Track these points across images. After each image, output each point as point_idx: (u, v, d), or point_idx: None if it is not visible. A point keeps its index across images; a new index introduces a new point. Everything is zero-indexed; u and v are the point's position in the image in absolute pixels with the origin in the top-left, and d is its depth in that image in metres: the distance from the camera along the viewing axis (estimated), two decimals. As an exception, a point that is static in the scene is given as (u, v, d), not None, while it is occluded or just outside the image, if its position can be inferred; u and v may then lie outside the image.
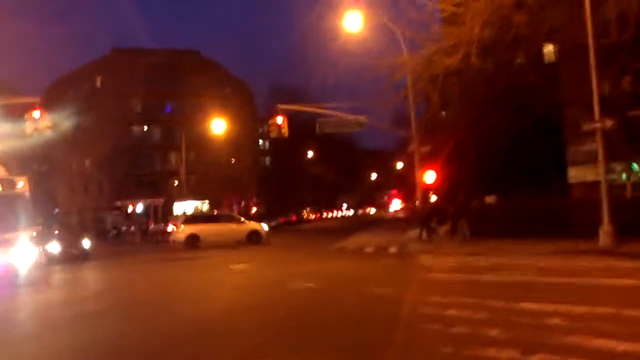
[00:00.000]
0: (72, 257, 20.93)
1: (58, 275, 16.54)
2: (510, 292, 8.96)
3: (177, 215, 49.56)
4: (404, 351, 5.85)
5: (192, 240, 24.94)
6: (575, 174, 20.82)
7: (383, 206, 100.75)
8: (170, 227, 44.50)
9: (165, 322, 8.14)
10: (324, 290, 10.63)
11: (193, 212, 42.42)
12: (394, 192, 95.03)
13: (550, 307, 7.45)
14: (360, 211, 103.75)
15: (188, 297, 10.87)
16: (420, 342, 6.11)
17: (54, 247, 20.79)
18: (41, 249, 20.68)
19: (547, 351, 5.37)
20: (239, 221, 26.84)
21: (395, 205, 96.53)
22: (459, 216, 18.97)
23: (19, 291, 13.08)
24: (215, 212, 39.50)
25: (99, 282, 15.59)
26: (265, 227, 27.07)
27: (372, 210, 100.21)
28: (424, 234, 20.20)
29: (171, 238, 27.61)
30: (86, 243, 22.65)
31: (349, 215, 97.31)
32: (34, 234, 16.21)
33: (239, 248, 23.67)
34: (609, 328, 6.19)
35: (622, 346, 5.42)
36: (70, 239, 22.40)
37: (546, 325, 6.48)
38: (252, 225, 26.73)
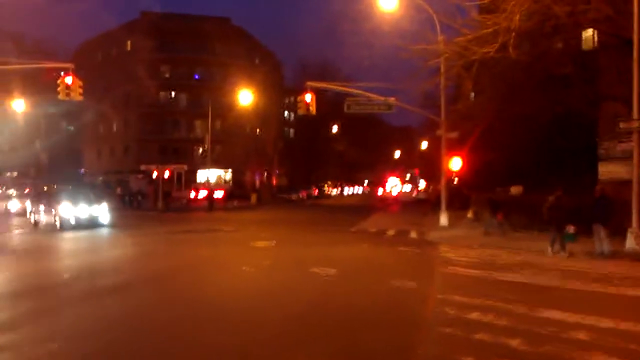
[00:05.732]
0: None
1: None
2: (533, 296, 8.86)
3: (199, 183, 50.24)
4: None
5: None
6: (606, 170, 20.25)
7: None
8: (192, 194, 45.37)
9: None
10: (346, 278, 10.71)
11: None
12: (416, 170, 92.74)
13: (574, 318, 7.35)
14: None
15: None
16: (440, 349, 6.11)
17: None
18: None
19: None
20: None
21: (392, 183, 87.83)
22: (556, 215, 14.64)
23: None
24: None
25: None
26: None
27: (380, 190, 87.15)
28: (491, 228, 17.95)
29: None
30: (101, 209, 21.60)
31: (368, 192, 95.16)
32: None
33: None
34: (636, 348, 6.10)
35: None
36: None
37: (568, 339, 6.41)
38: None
